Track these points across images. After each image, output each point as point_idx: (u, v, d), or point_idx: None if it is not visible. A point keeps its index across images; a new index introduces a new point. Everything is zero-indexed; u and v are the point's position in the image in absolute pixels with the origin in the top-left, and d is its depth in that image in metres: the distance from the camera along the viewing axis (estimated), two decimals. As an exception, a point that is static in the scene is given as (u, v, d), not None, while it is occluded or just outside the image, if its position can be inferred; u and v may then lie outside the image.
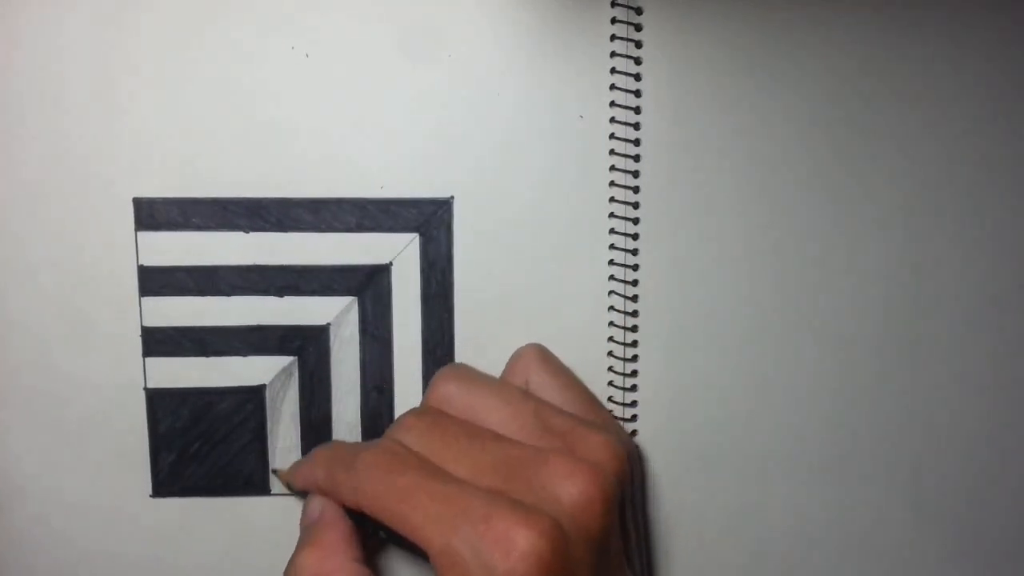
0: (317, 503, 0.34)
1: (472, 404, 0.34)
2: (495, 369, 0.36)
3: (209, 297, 0.36)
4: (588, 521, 0.30)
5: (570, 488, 0.30)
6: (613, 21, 0.35)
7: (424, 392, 0.36)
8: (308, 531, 0.33)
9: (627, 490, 0.33)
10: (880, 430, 0.37)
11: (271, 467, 0.37)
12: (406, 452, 0.32)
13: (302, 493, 0.36)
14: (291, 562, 0.33)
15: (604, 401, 0.37)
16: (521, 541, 0.29)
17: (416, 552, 0.31)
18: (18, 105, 0.35)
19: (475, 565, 0.29)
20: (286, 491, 0.37)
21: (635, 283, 0.36)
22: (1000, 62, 0.36)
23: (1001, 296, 0.37)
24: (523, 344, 0.36)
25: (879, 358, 0.37)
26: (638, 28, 0.35)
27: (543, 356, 0.36)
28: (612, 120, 0.36)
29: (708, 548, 0.38)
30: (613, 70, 0.35)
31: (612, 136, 0.36)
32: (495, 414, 0.33)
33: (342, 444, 0.36)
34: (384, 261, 0.36)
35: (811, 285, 0.37)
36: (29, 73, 0.34)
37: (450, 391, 0.34)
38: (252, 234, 0.35)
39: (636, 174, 0.36)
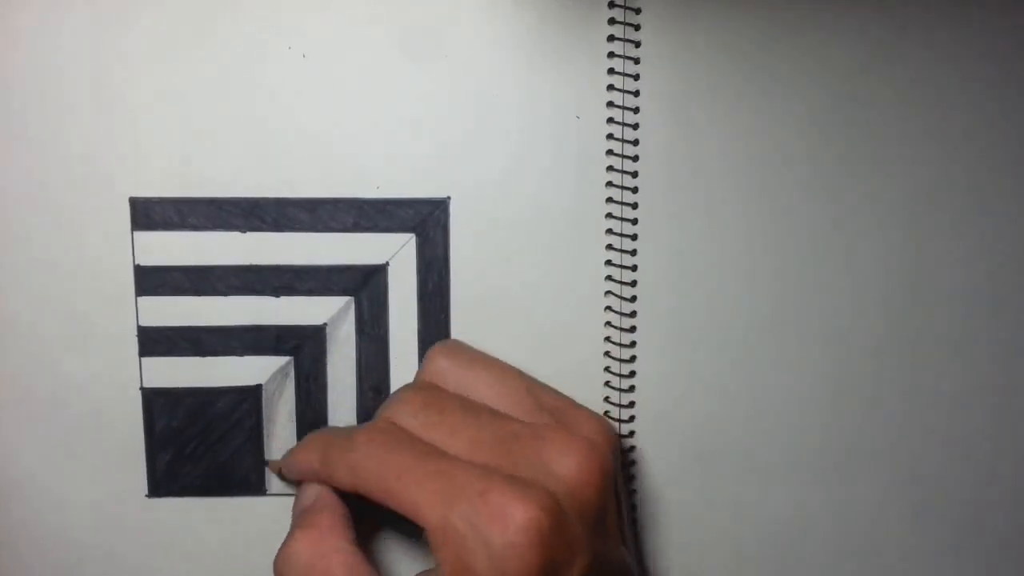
0: (312, 490, 0.34)
1: (466, 380, 0.34)
2: (492, 370, 0.36)
3: (205, 297, 0.36)
4: (586, 495, 0.30)
5: (568, 462, 0.30)
6: (611, 21, 0.35)
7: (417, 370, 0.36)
8: (302, 515, 0.33)
9: (617, 467, 0.33)
10: (879, 429, 0.37)
11: (266, 460, 0.36)
12: (400, 431, 0.32)
13: (297, 483, 0.35)
14: (284, 546, 0.32)
15: (601, 401, 0.36)
16: (519, 515, 0.29)
17: (415, 531, 0.31)
18: (16, 104, 0.34)
19: (472, 540, 0.29)
20: (283, 491, 0.36)
21: (633, 283, 0.36)
22: (1000, 62, 0.36)
23: (1001, 296, 0.37)
24: (521, 344, 0.36)
25: (878, 357, 0.37)
26: (636, 28, 0.35)
27: (455, 353, 0.35)
28: (610, 120, 0.35)
29: (706, 548, 0.38)
30: (611, 70, 0.35)
31: (610, 136, 0.35)
32: (489, 390, 0.33)
33: (334, 428, 0.35)
34: (381, 261, 0.36)
35: (810, 285, 0.37)
36: (27, 73, 0.34)
37: (444, 366, 0.34)
38: (248, 234, 0.35)
39: (634, 174, 0.36)
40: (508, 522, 0.29)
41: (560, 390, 0.36)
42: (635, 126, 0.35)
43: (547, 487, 0.30)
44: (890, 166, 0.36)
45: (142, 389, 0.36)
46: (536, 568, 0.29)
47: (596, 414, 0.34)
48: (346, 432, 0.33)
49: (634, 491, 0.37)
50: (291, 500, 0.36)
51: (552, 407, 0.33)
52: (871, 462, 0.37)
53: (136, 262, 0.35)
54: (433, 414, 0.32)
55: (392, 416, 0.33)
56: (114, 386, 0.36)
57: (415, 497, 0.30)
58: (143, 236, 0.35)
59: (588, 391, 0.36)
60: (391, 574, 0.37)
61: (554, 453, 0.31)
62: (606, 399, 0.37)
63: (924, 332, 0.37)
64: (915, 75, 0.36)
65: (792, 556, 0.38)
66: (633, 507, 0.37)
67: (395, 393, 0.34)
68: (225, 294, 0.36)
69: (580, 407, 0.34)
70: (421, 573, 0.32)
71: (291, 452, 0.35)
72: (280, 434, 0.36)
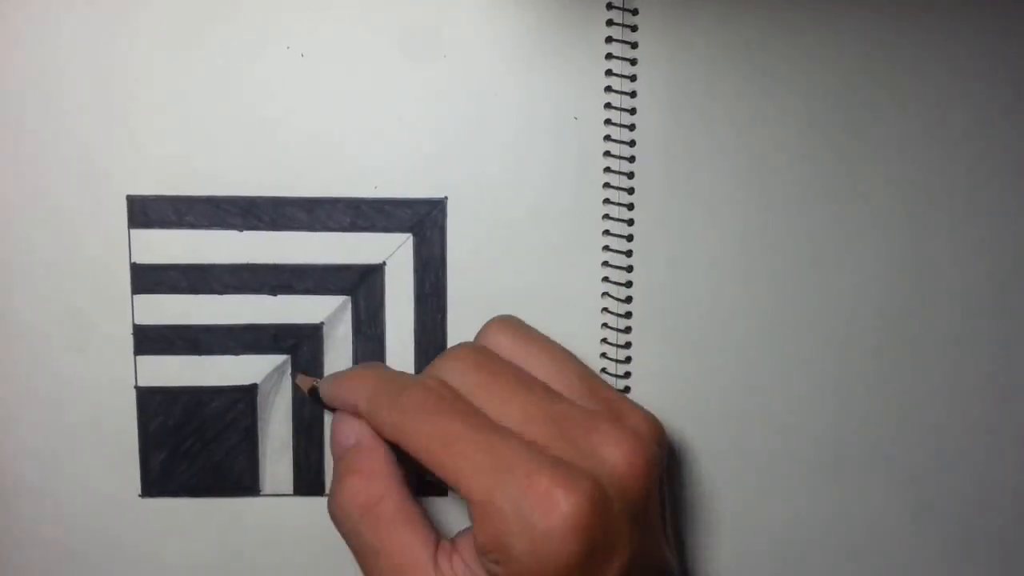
0: (350, 428, 0.33)
1: (520, 356, 0.33)
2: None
3: (202, 295, 0.36)
4: (631, 489, 0.30)
5: (617, 453, 0.30)
6: (609, 23, 0.35)
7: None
8: (348, 458, 0.33)
9: (664, 466, 0.33)
10: (877, 429, 0.37)
11: (294, 374, 0.36)
12: (453, 395, 0.31)
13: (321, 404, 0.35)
14: (336, 491, 0.32)
15: (597, 402, 0.36)
16: (563, 501, 0.28)
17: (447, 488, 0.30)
18: (14, 103, 0.34)
19: (515, 520, 0.29)
20: (277, 492, 0.36)
21: (629, 284, 0.36)
22: (999, 62, 0.36)
23: (999, 296, 0.37)
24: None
25: (876, 357, 0.37)
26: (634, 29, 0.35)
27: (513, 328, 0.34)
28: (607, 121, 0.36)
29: (703, 549, 0.37)
30: (609, 71, 0.35)
31: (607, 137, 0.36)
32: (542, 369, 0.33)
33: (384, 373, 0.34)
34: (378, 261, 0.36)
35: (807, 285, 0.37)
36: (26, 71, 0.34)
37: (500, 340, 0.34)
38: (246, 233, 0.35)
39: (631, 175, 0.36)
40: (552, 508, 0.28)
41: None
42: (632, 127, 0.36)
43: (594, 475, 0.29)
44: (888, 167, 0.36)
45: (137, 387, 0.36)
46: (575, 557, 0.28)
47: (648, 412, 0.33)
48: (396, 382, 0.32)
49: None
50: (286, 501, 0.36)
51: (604, 397, 0.33)
52: (870, 462, 0.37)
53: (133, 260, 0.35)
54: (486, 377, 0.32)
55: (442, 374, 0.32)
56: (109, 384, 0.36)
57: (460, 467, 0.30)
58: (140, 234, 0.35)
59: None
60: (435, 515, 0.37)
61: (605, 442, 0.30)
62: (602, 400, 0.36)
63: (923, 332, 0.37)
64: (913, 75, 0.36)
65: (791, 556, 0.38)
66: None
67: (449, 350, 0.33)
68: (222, 293, 0.36)
69: (632, 402, 0.33)
70: (463, 532, 0.32)
71: (335, 382, 0.34)
72: (275, 434, 0.36)
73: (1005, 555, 0.38)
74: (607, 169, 0.36)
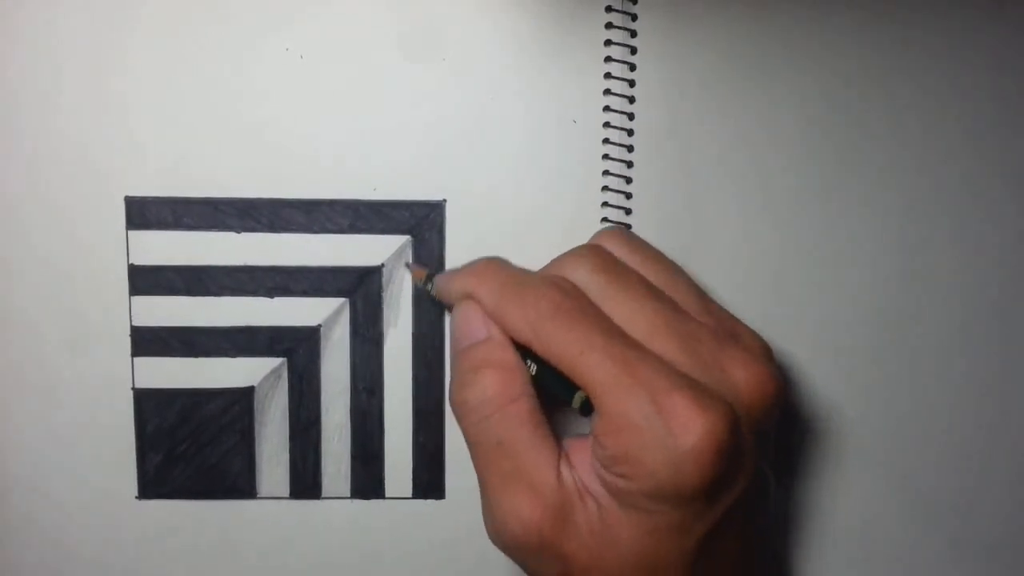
0: (482, 321, 0.32)
1: (637, 265, 0.32)
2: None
3: (199, 297, 0.35)
4: (759, 413, 0.30)
5: (748, 377, 0.30)
6: (608, 26, 0.35)
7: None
8: (481, 350, 0.31)
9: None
10: (874, 431, 0.37)
11: (407, 263, 0.35)
12: (586, 300, 0.31)
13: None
14: (467, 381, 0.31)
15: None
16: (702, 422, 0.28)
17: (557, 397, 0.30)
18: (12, 103, 0.34)
19: (651, 437, 0.28)
20: (273, 495, 0.36)
21: (627, 288, 0.36)
22: (997, 65, 0.36)
23: (996, 300, 0.37)
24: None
25: (875, 357, 0.37)
26: (633, 34, 0.35)
27: (626, 237, 0.33)
28: (606, 125, 0.36)
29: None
30: (608, 75, 0.35)
31: (606, 141, 0.36)
32: (657, 281, 0.32)
33: (506, 269, 0.33)
34: (376, 263, 0.36)
35: (805, 287, 0.37)
36: (23, 71, 0.34)
37: (616, 249, 0.33)
38: (243, 234, 0.35)
39: (629, 180, 0.36)
40: (692, 428, 0.28)
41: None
42: (630, 132, 0.36)
43: (726, 397, 0.29)
44: (886, 168, 0.36)
45: (134, 389, 0.36)
46: (711, 478, 0.28)
47: (758, 335, 0.33)
48: (525, 279, 0.32)
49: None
50: (282, 504, 0.36)
51: (717, 315, 0.32)
52: (867, 464, 0.37)
53: (130, 261, 0.35)
54: (611, 279, 0.31)
55: (566, 273, 0.31)
56: (106, 386, 0.35)
57: (595, 377, 0.29)
58: (138, 235, 0.35)
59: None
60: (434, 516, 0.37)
61: (734, 364, 0.30)
62: (600, 404, 0.36)
63: (923, 331, 0.37)
64: (912, 77, 0.36)
65: (788, 555, 0.38)
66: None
67: (569, 251, 0.32)
68: (219, 295, 0.35)
69: (742, 323, 0.33)
70: (575, 438, 0.31)
71: (454, 279, 0.33)
72: (272, 437, 0.36)
73: (1005, 555, 0.38)
74: (606, 172, 0.36)
